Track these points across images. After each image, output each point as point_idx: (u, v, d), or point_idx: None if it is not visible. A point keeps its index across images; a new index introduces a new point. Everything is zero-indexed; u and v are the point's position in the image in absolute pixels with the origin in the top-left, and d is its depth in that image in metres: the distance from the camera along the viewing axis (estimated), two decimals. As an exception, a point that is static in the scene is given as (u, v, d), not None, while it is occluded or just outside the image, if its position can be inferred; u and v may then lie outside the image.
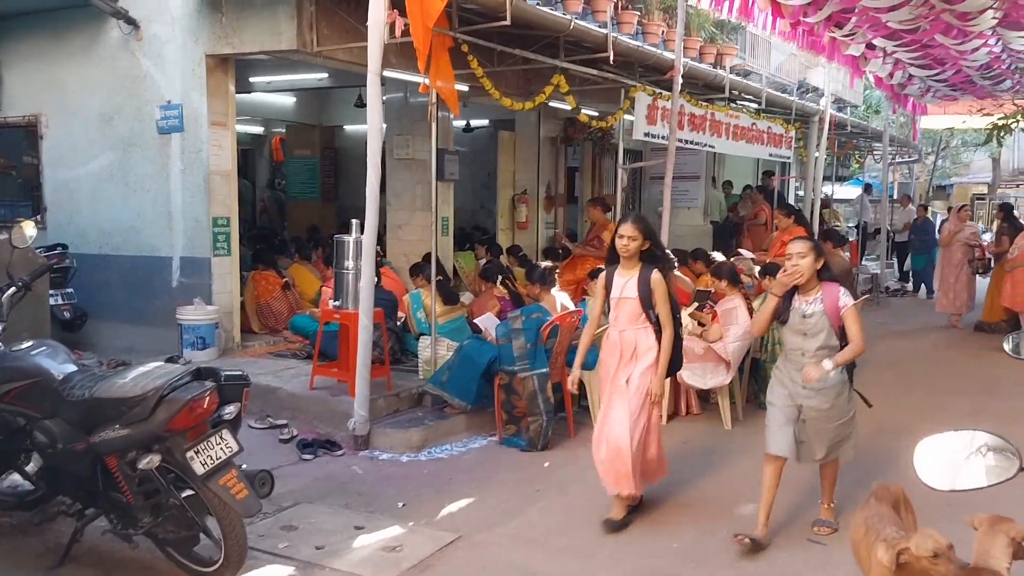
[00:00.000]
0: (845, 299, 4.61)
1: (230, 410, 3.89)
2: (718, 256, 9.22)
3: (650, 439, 5.08)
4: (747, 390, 7.68)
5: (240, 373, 4.02)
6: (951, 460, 2.48)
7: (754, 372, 7.84)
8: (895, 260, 19.13)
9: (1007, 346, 3.49)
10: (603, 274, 5.17)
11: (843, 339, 4.64)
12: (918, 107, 18.43)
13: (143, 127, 8.28)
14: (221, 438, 3.76)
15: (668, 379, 7.07)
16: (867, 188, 20.72)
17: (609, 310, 5.12)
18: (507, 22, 6.92)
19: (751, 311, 7.34)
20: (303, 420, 6.73)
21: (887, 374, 9.35)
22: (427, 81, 6.69)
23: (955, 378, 9.21)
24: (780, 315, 4.75)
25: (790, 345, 4.80)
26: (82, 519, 4.07)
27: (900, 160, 22.82)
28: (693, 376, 7.13)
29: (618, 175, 9.61)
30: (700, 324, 7.37)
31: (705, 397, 7.56)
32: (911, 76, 15.26)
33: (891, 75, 14.92)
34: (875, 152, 20.75)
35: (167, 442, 3.70)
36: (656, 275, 4.88)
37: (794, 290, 4.70)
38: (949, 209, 18.65)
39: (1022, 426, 7.19)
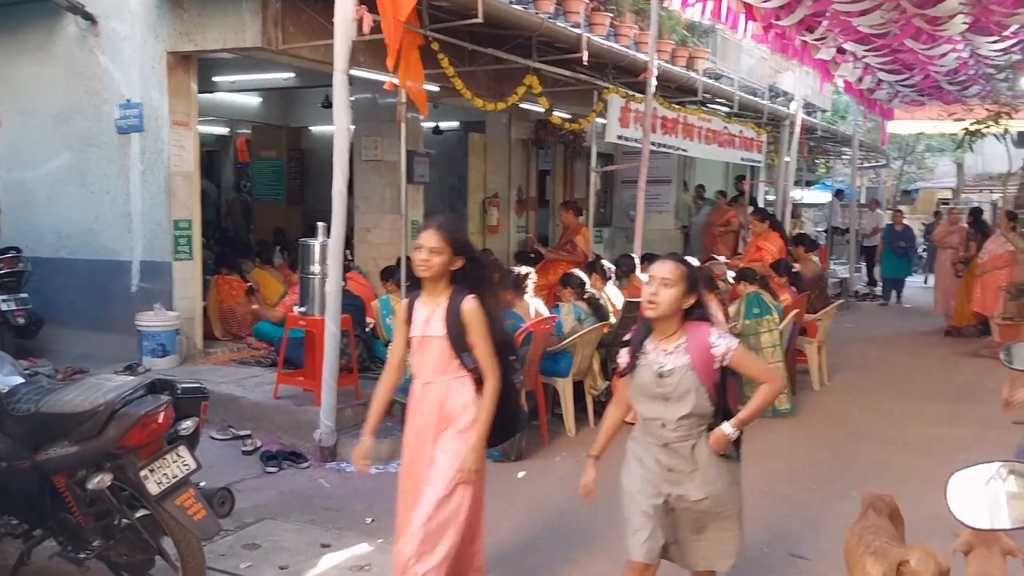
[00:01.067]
0: (720, 342, 3.27)
1: (187, 425, 3.67)
2: (693, 261, 9.08)
3: (470, 541, 3.72)
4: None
5: (198, 385, 3.79)
6: (988, 494, 2.22)
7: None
8: (863, 264, 19.20)
9: (1002, 355, 3.36)
10: (402, 304, 3.81)
11: (721, 398, 3.32)
12: (886, 112, 18.57)
13: (101, 127, 8.00)
14: (177, 455, 3.54)
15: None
16: (839, 194, 20.82)
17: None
18: (479, 19, 6.74)
19: (727, 316, 7.23)
20: (267, 431, 6.49)
21: (860, 379, 9.31)
22: (396, 80, 6.49)
23: (929, 384, 9.17)
24: (625, 369, 3.41)
25: (646, 412, 3.39)
26: (29, 541, 3.81)
27: (868, 165, 22.95)
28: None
29: (591, 179, 9.46)
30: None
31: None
32: (880, 81, 15.34)
33: (860, 80, 14.99)
34: (844, 156, 20.82)
35: (119, 460, 3.47)
36: (470, 303, 3.49)
37: (646, 332, 3.37)
38: (936, 214, 18.93)
39: (1000, 431, 7.16)
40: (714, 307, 7.03)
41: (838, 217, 20.46)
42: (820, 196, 24.81)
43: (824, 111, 20.74)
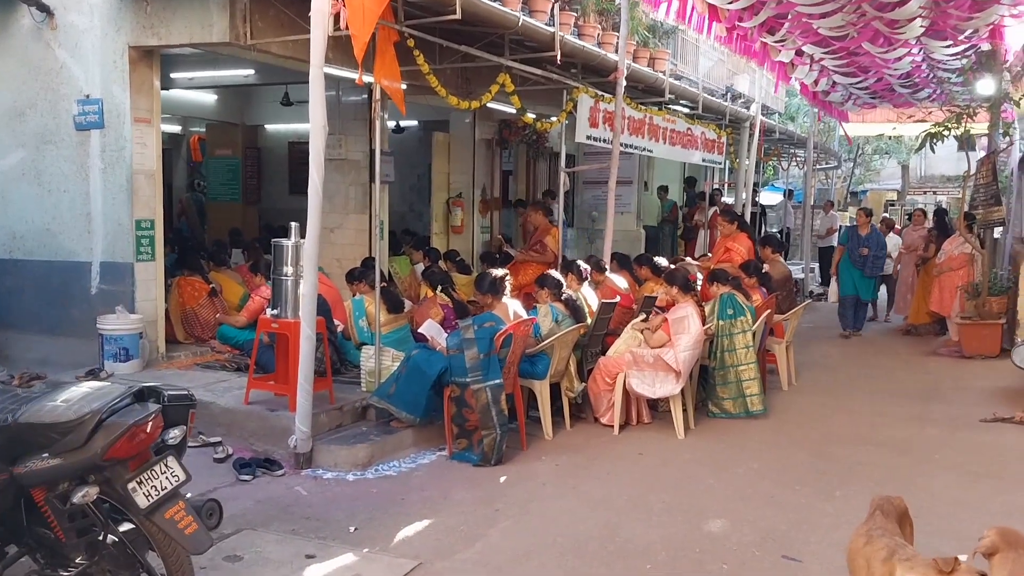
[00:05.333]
0: None
1: (175, 434, 3.49)
2: (662, 261, 9.08)
3: None
4: (695, 397, 7.54)
5: (186, 392, 3.62)
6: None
7: (702, 379, 7.72)
8: (817, 264, 19.43)
9: (1016, 359, 3.36)
10: None
11: None
12: (843, 114, 18.86)
13: (59, 123, 7.70)
14: (166, 466, 3.37)
15: (620, 387, 6.95)
16: (788, 194, 21.06)
17: None
18: (457, 16, 6.62)
19: (703, 319, 7.21)
20: (239, 437, 6.29)
21: (826, 379, 9.38)
22: (370, 77, 6.34)
23: (893, 382, 9.26)
24: None
25: None
26: (2, 559, 3.61)
27: (821, 167, 23.29)
28: (642, 384, 6.95)
29: (561, 178, 9.38)
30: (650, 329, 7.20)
31: (654, 405, 7.39)
32: (835, 83, 15.55)
33: (816, 82, 15.18)
34: (797, 158, 21.09)
35: (106, 472, 3.29)
36: None
37: None
38: (910, 216, 18.47)
39: (970, 431, 7.27)
40: (691, 309, 7.02)
41: (791, 218, 20.71)
42: (772, 197, 25.12)
43: (778, 113, 21.01)
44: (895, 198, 32.99)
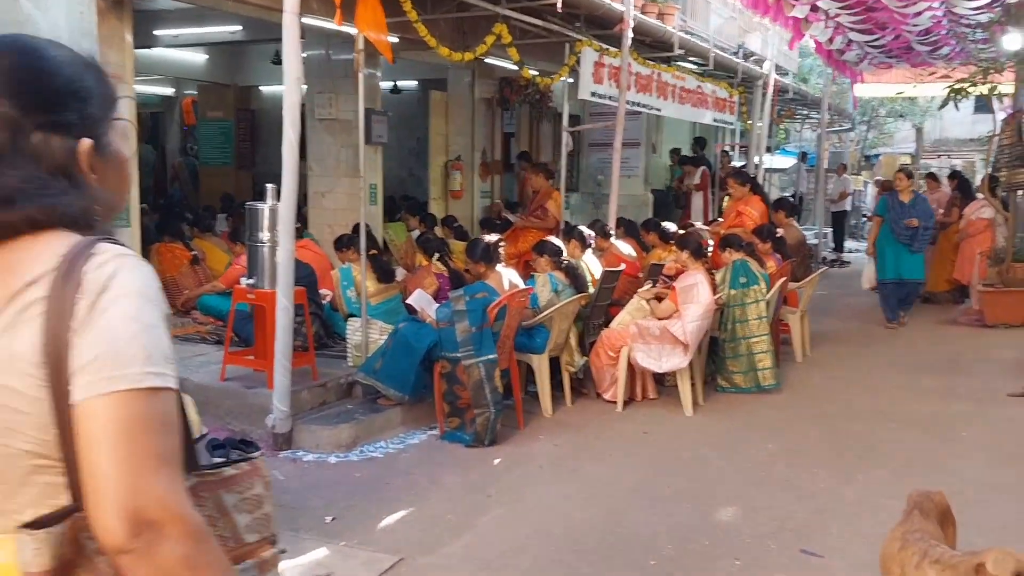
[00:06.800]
0: None
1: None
2: (670, 227, 8.58)
3: None
4: (704, 371, 7.09)
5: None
6: None
7: (712, 352, 7.27)
8: (831, 230, 18.90)
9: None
10: None
11: None
12: (855, 74, 18.24)
13: (25, 79, 7.21)
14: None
15: (625, 361, 6.50)
16: (803, 157, 20.46)
17: None
18: (446, -41, 6.09)
19: (714, 288, 6.73)
20: (214, 416, 5.84)
21: (842, 350, 8.91)
22: (353, 29, 5.84)
23: (912, 354, 8.80)
24: None
25: None
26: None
27: (834, 129, 22.65)
28: (648, 358, 6.49)
29: (563, 139, 8.84)
30: (658, 299, 6.73)
31: (660, 380, 6.94)
32: (850, 42, 14.99)
33: (831, 40, 14.63)
34: (810, 119, 20.46)
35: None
36: None
37: None
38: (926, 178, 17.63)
39: (997, 407, 6.80)
40: (701, 277, 6.55)
41: (805, 182, 20.13)
42: (784, 161, 24.48)
43: (791, 74, 20.35)
44: (908, 162, 32.29)
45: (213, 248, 8.76)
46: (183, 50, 12.73)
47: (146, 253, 7.97)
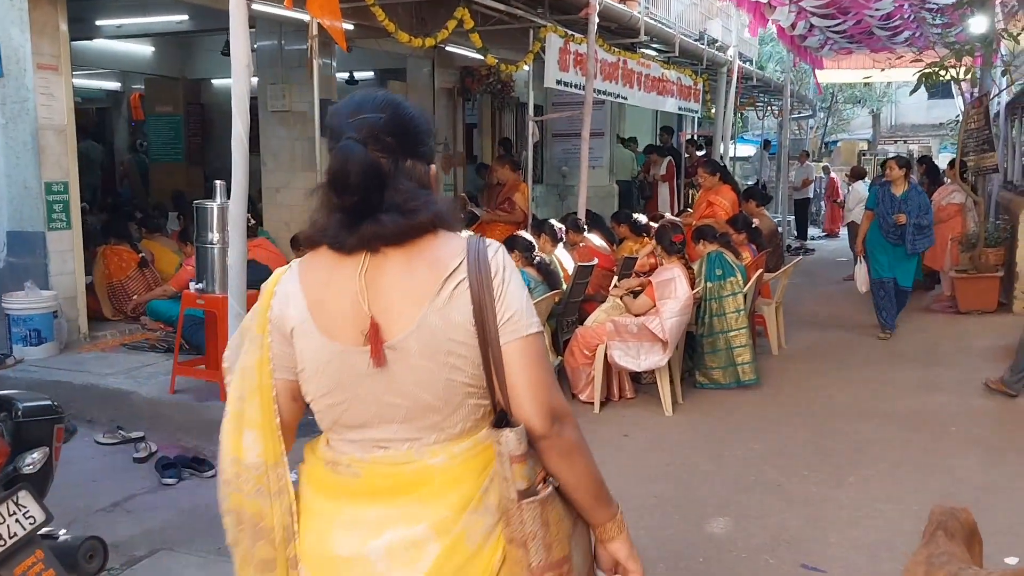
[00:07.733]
0: None
1: (32, 459, 2.67)
2: (642, 218, 8.29)
3: None
4: (682, 367, 6.81)
5: (48, 404, 2.78)
6: None
7: (689, 347, 6.99)
8: (793, 217, 18.80)
9: None
10: None
11: None
12: (816, 60, 18.14)
13: (-49, 72, 6.72)
14: (17, 506, 2.54)
15: (601, 360, 6.19)
16: (765, 144, 20.35)
17: None
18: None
19: (692, 282, 6.45)
20: (164, 432, 5.46)
21: (818, 342, 8.68)
22: (305, 15, 5.45)
23: (890, 344, 8.57)
24: None
25: None
26: None
27: (795, 116, 22.58)
28: (626, 356, 6.18)
29: (529, 128, 8.51)
30: (633, 295, 6.44)
31: (637, 378, 6.65)
32: (812, 27, 14.84)
33: (794, 25, 14.49)
34: (772, 107, 20.34)
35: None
36: None
37: None
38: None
39: (983, 399, 6.61)
40: (678, 271, 6.27)
41: (767, 170, 20.02)
42: (746, 149, 24.38)
43: (750, 60, 20.21)
44: (866, 148, 32.45)
45: (163, 249, 8.31)
46: (128, 42, 12.21)
47: (91, 256, 7.53)
